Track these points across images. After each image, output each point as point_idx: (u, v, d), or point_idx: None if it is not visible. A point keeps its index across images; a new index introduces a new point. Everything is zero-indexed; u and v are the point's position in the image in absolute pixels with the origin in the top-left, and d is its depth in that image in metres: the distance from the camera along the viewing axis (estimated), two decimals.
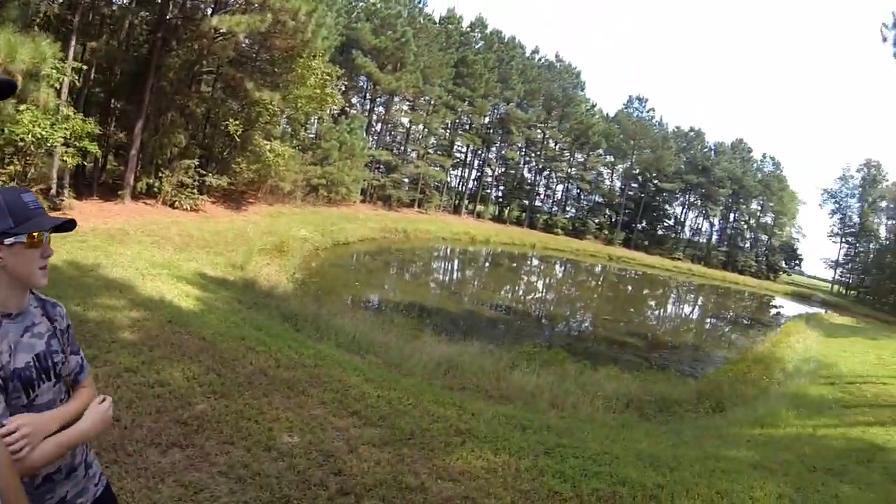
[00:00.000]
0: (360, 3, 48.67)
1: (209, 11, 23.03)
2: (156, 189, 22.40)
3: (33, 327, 1.83)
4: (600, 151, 75.23)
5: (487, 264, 42.65)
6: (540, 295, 33.11)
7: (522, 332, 19.98)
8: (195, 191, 23.29)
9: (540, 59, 69.81)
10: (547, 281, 41.08)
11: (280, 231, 24.23)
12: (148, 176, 22.35)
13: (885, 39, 19.75)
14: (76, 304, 7.59)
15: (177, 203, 22.42)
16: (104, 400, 1.93)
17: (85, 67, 18.50)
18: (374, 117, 52.06)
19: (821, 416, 11.75)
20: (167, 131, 22.28)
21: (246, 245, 19.00)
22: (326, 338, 10.34)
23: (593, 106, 73.05)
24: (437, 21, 56.18)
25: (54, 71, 14.49)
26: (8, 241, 1.68)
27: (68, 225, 1.84)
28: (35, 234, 1.73)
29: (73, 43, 17.29)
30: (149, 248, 14.65)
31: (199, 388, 5.61)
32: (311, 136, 39.70)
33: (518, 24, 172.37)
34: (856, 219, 79.80)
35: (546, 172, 74.53)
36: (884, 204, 77.29)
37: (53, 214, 1.82)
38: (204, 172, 24.07)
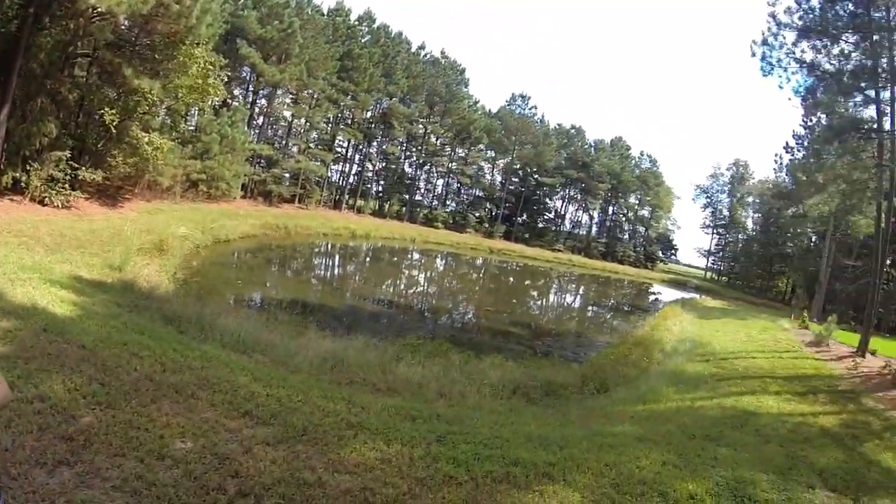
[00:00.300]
0: None
1: None
2: (23, 184, 20.29)
3: None
4: (481, 146, 76.89)
5: (368, 259, 42.69)
6: (422, 288, 33.46)
7: (406, 325, 20.18)
8: (67, 186, 21.45)
9: (425, 55, 70.20)
10: (428, 274, 41.55)
11: (159, 229, 23.18)
12: (14, 169, 20.06)
13: (753, 54, 21.82)
14: None
15: (47, 199, 20.60)
16: None
17: None
18: (257, 110, 50.79)
19: (698, 389, 12.74)
20: (36, 119, 20.06)
21: (123, 244, 18.07)
22: (211, 338, 10.18)
23: (476, 102, 74.55)
24: (325, 13, 55.32)
25: None
26: None
27: None
28: None
29: None
30: (16, 250, 13.64)
31: (82, 400, 5.33)
32: (191, 128, 37.92)
33: (424, 19, 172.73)
34: (726, 212, 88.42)
35: (427, 167, 75.27)
36: (750, 199, 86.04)
37: None
38: (77, 166, 22.16)
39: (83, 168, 22.60)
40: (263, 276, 25.66)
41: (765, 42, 21.34)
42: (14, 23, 19.89)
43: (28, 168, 20.26)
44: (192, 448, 4.85)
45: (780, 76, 21.79)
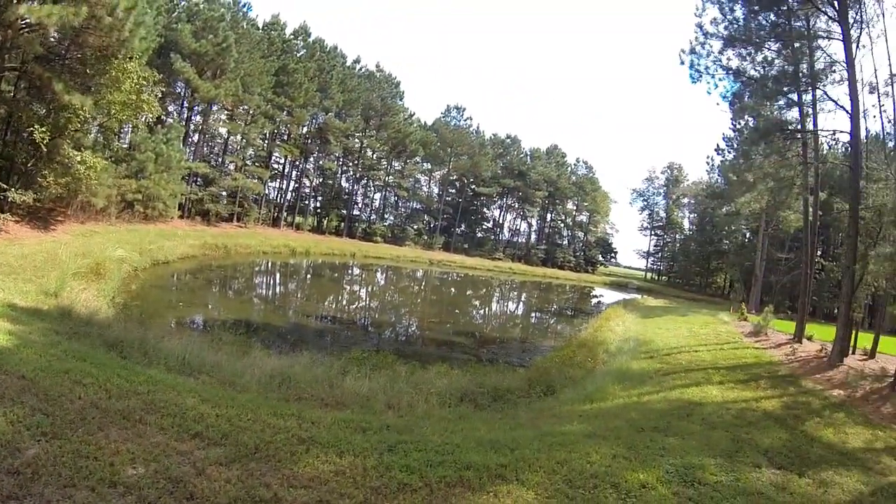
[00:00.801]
0: (182, 3, 45.70)
1: None
2: None
3: None
4: (417, 159, 77.48)
5: (309, 276, 42.39)
6: (364, 303, 33.38)
7: (350, 339, 20.18)
8: None
9: (361, 69, 70.33)
10: (370, 289, 41.48)
11: (95, 252, 22.52)
12: None
13: (682, 62, 22.73)
14: None
15: None
16: None
17: None
18: (192, 127, 49.88)
19: (644, 385, 13.17)
20: None
21: (58, 269, 17.54)
22: (156, 362, 10.04)
23: (411, 115, 75.04)
24: (261, 27, 54.98)
25: None
26: None
27: None
28: None
29: None
30: None
31: (26, 432, 5.17)
32: (125, 146, 37.02)
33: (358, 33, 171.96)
34: (662, 214, 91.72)
35: (364, 181, 75.39)
36: (686, 200, 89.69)
37: None
38: (5, 187, 21.42)
39: (12, 189, 21.81)
40: (205, 297, 25.24)
41: (693, 51, 22.21)
42: None
43: None
44: (144, 473, 4.80)
45: (709, 82, 22.68)
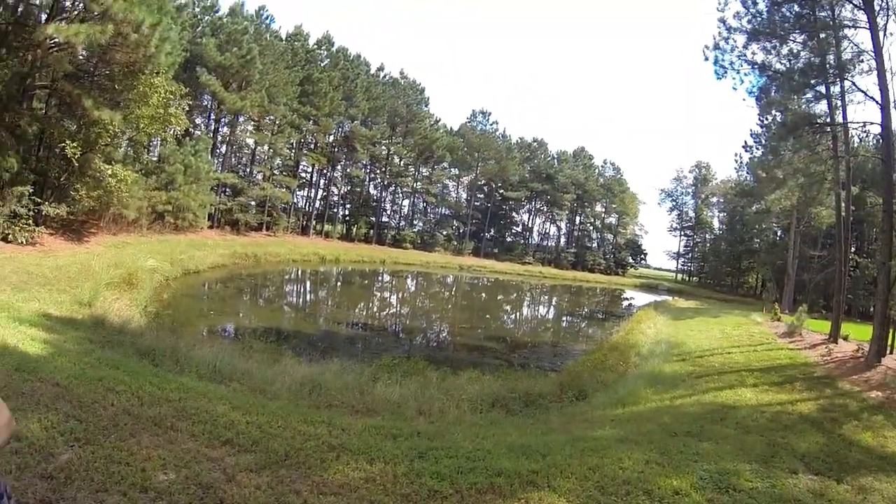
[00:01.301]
0: (206, 17, 46.85)
1: (44, 18, 21.08)
2: None
3: None
4: (445, 165, 77.33)
5: (339, 283, 42.53)
6: (394, 309, 33.40)
7: (381, 346, 20.15)
8: (31, 222, 21.15)
9: (385, 77, 70.77)
10: (400, 295, 41.49)
11: (127, 263, 22.88)
12: None
13: (706, 59, 22.36)
14: None
15: (10, 236, 20.17)
16: None
17: None
18: (219, 138, 50.69)
19: (676, 389, 12.94)
20: None
21: (92, 280, 17.84)
22: (187, 370, 10.07)
23: (437, 121, 75.09)
24: (284, 38, 55.55)
25: None
26: None
27: None
28: None
29: None
30: None
31: (60, 438, 5.24)
32: (155, 159, 37.71)
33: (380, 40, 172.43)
34: (691, 214, 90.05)
35: (392, 188, 75.49)
36: (715, 199, 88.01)
37: None
38: (39, 201, 21.91)
39: (46, 203, 22.37)
40: (236, 305, 25.46)
41: (716, 47, 21.88)
42: None
43: None
44: (174, 479, 4.80)
45: (734, 78, 22.30)
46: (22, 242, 20.52)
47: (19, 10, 21.12)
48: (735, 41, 21.52)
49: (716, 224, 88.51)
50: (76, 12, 21.43)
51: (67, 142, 22.04)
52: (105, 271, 19.97)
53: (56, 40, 19.99)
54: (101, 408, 6.25)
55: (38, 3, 21.28)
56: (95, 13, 19.97)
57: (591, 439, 8.05)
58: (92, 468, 4.75)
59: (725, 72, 22.10)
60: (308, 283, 40.77)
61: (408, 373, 13.21)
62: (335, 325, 23.66)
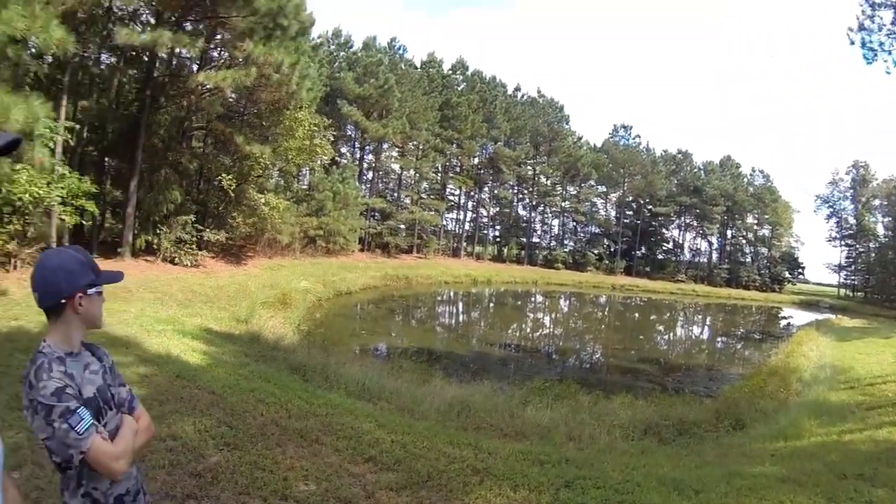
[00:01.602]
0: (342, 53, 49.62)
1: (195, 68, 23.41)
2: (155, 246, 22.42)
3: (89, 366, 2.14)
4: (591, 182, 75.93)
5: (491, 304, 42.44)
6: (547, 330, 32.90)
7: (532, 368, 19.75)
8: (194, 246, 23.29)
9: (523, 96, 70.79)
10: (552, 316, 40.88)
11: (281, 284, 24.13)
12: (146, 233, 22.25)
13: (852, 42, 19.98)
14: None
15: (177, 259, 22.41)
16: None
17: (77, 126, 18.59)
18: (365, 165, 52.47)
19: (844, 421, 11.60)
20: (162, 188, 22.18)
21: (248, 299, 18.90)
22: (336, 387, 10.22)
23: (580, 138, 73.89)
24: (419, 66, 56.99)
25: (48, 130, 14.62)
26: (91, 291, 2.08)
27: (118, 276, 2.27)
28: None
29: (63, 102, 17.45)
30: (152, 305, 14.73)
31: (211, 441, 5.58)
32: (304, 187, 39.92)
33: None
34: (852, 220, 79.92)
35: (540, 208, 74.80)
36: (877, 202, 77.57)
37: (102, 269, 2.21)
38: (201, 228, 24.11)
39: (207, 230, 24.55)
40: (387, 325, 25.95)
41: (861, 27, 19.44)
42: (135, 105, 22.60)
43: (158, 231, 22.40)
44: (314, 491, 4.83)
45: (885, 60, 19.71)
46: (187, 264, 22.59)
47: (173, 63, 23.73)
48: (881, 18, 19.05)
49: (880, 230, 77.86)
50: (222, 60, 23.76)
51: (224, 175, 24.39)
52: (261, 291, 21.11)
53: (207, 87, 22.24)
54: (252, 417, 6.52)
55: (189, 55, 23.55)
56: (239, 59, 21.81)
57: (749, 476, 7.31)
58: (237, 472, 4.95)
59: (875, 54, 19.50)
60: (460, 305, 41.01)
61: (559, 396, 12.80)
62: (487, 346, 23.52)
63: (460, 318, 34.90)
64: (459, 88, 60.01)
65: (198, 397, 6.92)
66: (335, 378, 10.89)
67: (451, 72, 60.72)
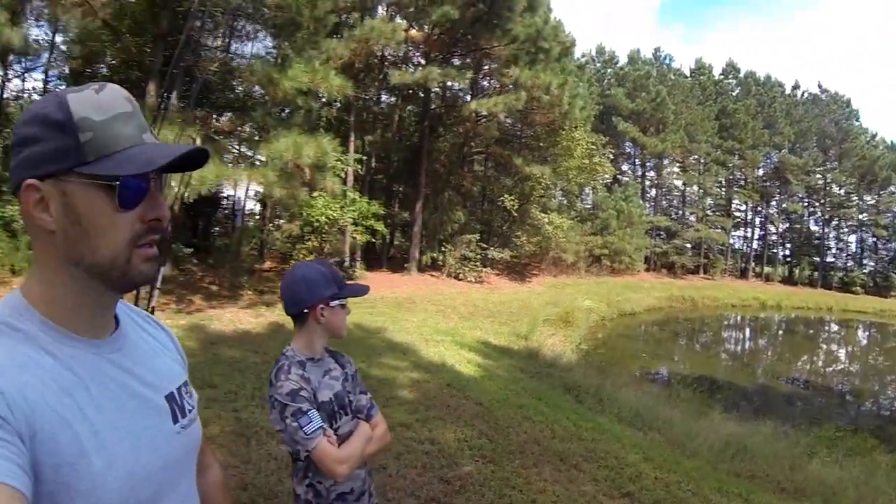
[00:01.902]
0: (609, 70, 49.57)
1: (468, 98, 25.27)
2: (439, 262, 24.62)
3: (330, 372, 2.27)
4: (892, 188, 64.72)
5: (780, 332, 38.87)
6: (842, 366, 29.24)
7: (822, 410, 17.50)
8: (479, 263, 24.65)
9: (803, 94, 63.82)
10: (849, 349, 36.18)
11: (564, 302, 24.30)
12: (432, 250, 24.77)
13: None
14: (361, 361, 8.25)
15: (461, 275, 23.96)
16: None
17: (365, 158, 21.72)
18: (647, 182, 51.68)
19: None
20: (445, 209, 24.50)
21: (530, 315, 19.31)
22: (608, 411, 9.96)
23: (874, 136, 63.48)
24: (688, 74, 54.94)
25: (338, 163, 16.99)
26: (333, 303, 2.21)
27: (363, 290, 2.43)
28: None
29: (351, 138, 20.55)
30: (433, 316, 15.79)
31: (468, 451, 5.68)
32: (588, 206, 40.26)
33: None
34: None
35: (834, 222, 65.17)
36: None
37: (348, 283, 2.37)
38: (485, 246, 25.51)
39: (491, 248, 26.00)
40: (670, 349, 24.98)
41: None
42: (415, 135, 25.46)
43: (443, 249, 24.66)
44: None
45: None
46: (471, 280, 24.06)
47: (447, 95, 26.26)
48: None
49: None
50: (492, 88, 25.53)
51: (506, 196, 25.90)
52: (543, 308, 21.57)
53: (481, 113, 23.72)
54: (514, 433, 6.54)
55: (460, 87, 25.69)
56: (508, 85, 23.27)
57: None
58: (486, 485, 4.96)
59: None
60: (747, 331, 38.22)
61: (852, 451, 11.14)
62: (772, 380, 21.55)
63: (746, 345, 32.47)
64: (734, 94, 56.69)
65: (464, 407, 7.14)
66: (608, 401, 10.63)
67: (722, 76, 57.62)
